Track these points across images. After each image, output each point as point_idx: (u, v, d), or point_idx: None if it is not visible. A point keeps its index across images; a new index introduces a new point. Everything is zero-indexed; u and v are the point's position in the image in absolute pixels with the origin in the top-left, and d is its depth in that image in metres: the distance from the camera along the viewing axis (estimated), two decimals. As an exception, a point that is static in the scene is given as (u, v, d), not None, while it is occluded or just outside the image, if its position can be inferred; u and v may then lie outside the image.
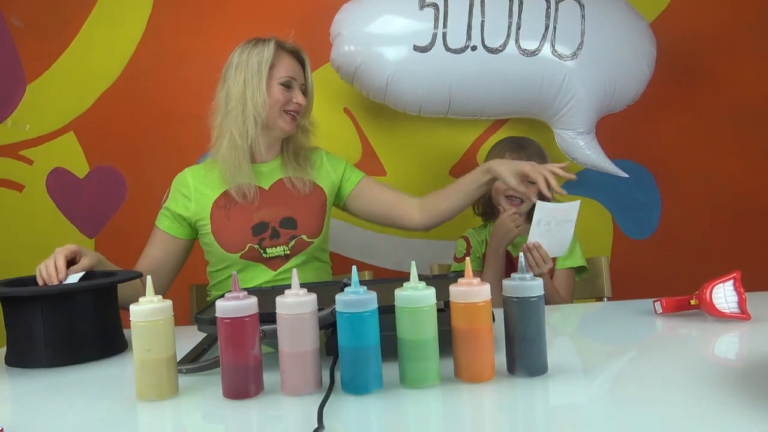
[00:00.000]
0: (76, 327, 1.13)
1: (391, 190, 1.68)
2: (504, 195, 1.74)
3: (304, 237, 1.53)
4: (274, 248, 1.51)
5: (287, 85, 1.53)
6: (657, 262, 2.28)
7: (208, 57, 2.15)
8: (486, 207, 1.86)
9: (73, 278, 1.24)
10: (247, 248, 1.50)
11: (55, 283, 1.22)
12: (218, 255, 1.53)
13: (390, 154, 2.24)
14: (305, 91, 1.57)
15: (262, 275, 1.52)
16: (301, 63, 1.58)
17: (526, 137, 1.87)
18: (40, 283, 1.23)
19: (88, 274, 1.27)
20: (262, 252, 1.51)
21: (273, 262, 1.53)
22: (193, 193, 1.55)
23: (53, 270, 1.23)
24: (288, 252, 1.52)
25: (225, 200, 1.53)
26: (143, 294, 0.91)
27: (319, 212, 1.58)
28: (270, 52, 1.51)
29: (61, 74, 2.18)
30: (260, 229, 1.51)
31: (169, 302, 0.90)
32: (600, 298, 1.86)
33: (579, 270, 1.77)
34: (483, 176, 1.55)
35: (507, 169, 1.49)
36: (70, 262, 1.29)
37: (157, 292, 0.93)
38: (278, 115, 1.52)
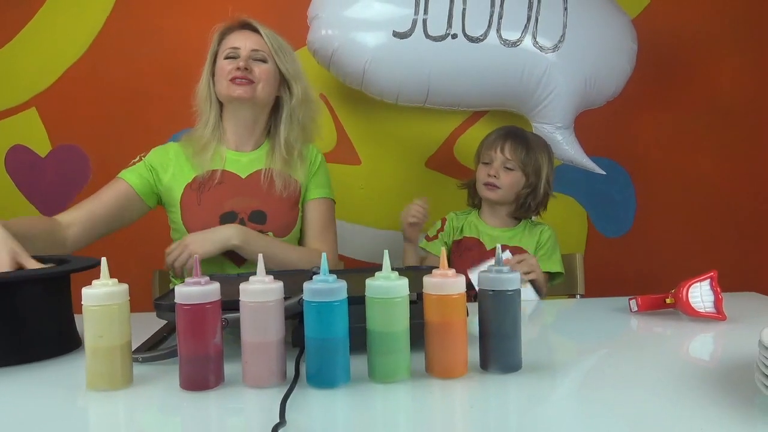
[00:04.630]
0: (25, 321, 0.98)
1: (317, 232, 1.55)
2: (483, 182, 1.72)
3: (271, 234, 1.48)
4: None
5: (231, 56, 1.47)
6: (630, 260, 2.29)
7: (177, 36, 2.09)
8: (474, 196, 1.82)
9: None
10: None
11: None
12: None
13: (365, 142, 2.20)
14: (264, 59, 1.48)
15: (226, 271, 1.47)
16: (257, 32, 1.50)
17: (524, 129, 1.82)
18: None
19: (38, 260, 1.12)
20: None
21: (237, 256, 1.46)
22: (172, 167, 1.51)
23: None
24: None
25: (199, 184, 1.49)
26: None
27: (293, 210, 1.53)
28: (216, 37, 1.51)
29: (24, 46, 2.09)
30: (228, 219, 1.46)
31: (124, 286, 0.84)
32: (573, 295, 1.84)
33: (554, 276, 1.73)
34: None
35: None
36: None
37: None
38: (227, 87, 1.47)
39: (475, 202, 1.81)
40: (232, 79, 1.45)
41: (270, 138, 1.55)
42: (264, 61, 1.48)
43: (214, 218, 1.46)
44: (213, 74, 1.51)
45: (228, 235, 1.39)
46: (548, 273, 1.70)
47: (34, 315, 1.00)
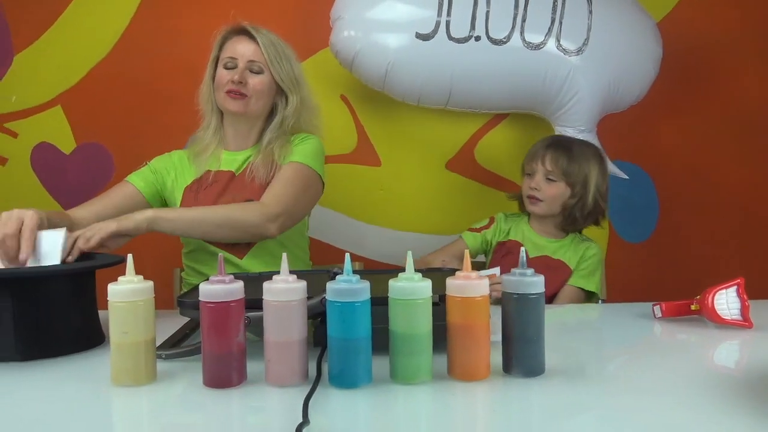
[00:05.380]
0: (51, 316, 1.00)
1: (271, 186, 1.47)
2: (525, 195, 1.68)
3: None
4: None
5: (229, 66, 1.49)
6: (652, 266, 2.26)
7: (201, 36, 2.08)
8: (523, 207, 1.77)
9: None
10: None
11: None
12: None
13: (385, 144, 2.19)
14: (260, 70, 1.49)
15: (228, 267, 1.48)
16: (255, 41, 1.50)
17: (572, 137, 1.79)
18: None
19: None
20: None
21: (236, 249, 1.50)
22: (174, 171, 1.57)
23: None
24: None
25: (197, 185, 1.54)
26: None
27: None
28: (218, 40, 1.53)
29: (51, 45, 2.12)
30: None
31: (149, 283, 0.85)
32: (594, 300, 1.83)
33: (589, 295, 1.67)
34: None
35: None
36: None
37: None
38: (223, 98, 1.50)
39: (525, 211, 1.76)
40: (228, 92, 1.48)
41: (262, 139, 1.57)
42: (260, 72, 1.50)
43: None
44: (214, 78, 1.53)
45: (141, 213, 1.30)
46: (584, 291, 1.65)
47: (61, 310, 1.02)
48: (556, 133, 1.96)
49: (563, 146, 1.66)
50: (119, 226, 1.23)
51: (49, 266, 1.10)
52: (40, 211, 1.16)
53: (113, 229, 1.22)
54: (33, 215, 1.12)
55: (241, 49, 1.50)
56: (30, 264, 1.10)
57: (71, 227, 1.33)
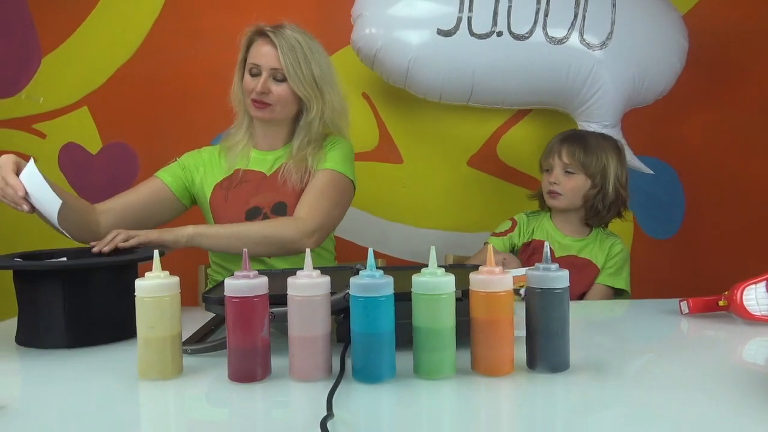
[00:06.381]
0: (97, 306, 1.05)
1: (306, 197, 1.48)
2: (546, 191, 1.67)
3: None
4: None
5: (254, 73, 1.49)
6: (676, 263, 2.23)
7: (224, 36, 2.09)
8: (544, 205, 1.75)
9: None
10: None
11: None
12: None
13: (408, 141, 2.19)
14: (283, 78, 1.48)
15: (254, 264, 1.49)
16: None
17: (587, 130, 1.78)
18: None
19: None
20: None
21: None
22: (203, 168, 1.58)
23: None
24: None
25: (228, 182, 1.55)
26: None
27: None
28: (244, 42, 1.53)
29: (77, 48, 2.15)
30: (253, 214, 1.50)
31: (176, 278, 0.87)
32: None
33: (619, 293, 1.66)
34: None
35: None
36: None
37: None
38: (249, 105, 1.51)
39: (546, 208, 1.74)
40: (252, 101, 1.49)
41: (292, 141, 1.58)
42: (283, 80, 1.49)
43: (240, 214, 1.50)
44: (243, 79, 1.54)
45: (182, 230, 1.34)
46: (612, 288, 1.63)
47: (107, 300, 1.06)
48: (580, 128, 1.94)
49: (579, 139, 1.66)
50: (159, 237, 1.26)
51: (99, 260, 1.14)
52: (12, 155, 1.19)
53: (153, 238, 1.25)
54: (7, 157, 1.16)
55: (264, 54, 1.49)
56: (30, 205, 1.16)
57: (95, 219, 1.38)
